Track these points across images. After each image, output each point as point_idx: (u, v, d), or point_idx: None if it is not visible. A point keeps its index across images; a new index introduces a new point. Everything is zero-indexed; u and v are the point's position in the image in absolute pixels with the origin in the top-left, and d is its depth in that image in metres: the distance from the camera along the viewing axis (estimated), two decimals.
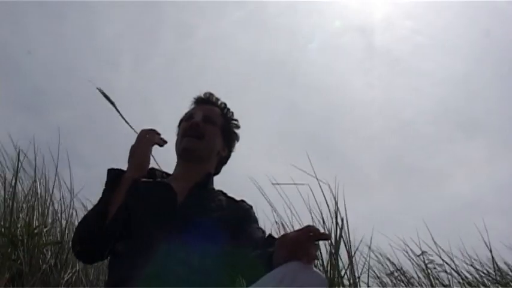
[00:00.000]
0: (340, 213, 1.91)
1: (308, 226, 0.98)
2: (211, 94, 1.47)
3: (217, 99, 1.46)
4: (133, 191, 1.27)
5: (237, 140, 1.46)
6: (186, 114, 1.45)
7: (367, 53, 5.05)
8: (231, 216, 1.28)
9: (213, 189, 1.38)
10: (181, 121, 1.46)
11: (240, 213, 1.31)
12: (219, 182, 1.43)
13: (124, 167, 1.34)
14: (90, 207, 1.56)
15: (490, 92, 4.72)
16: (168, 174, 1.43)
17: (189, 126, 1.37)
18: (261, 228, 1.31)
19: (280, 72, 5.07)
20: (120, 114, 1.44)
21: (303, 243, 0.95)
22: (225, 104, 1.47)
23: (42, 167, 2.27)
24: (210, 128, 1.39)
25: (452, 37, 4.82)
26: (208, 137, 1.37)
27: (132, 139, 1.39)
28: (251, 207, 1.37)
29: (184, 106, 1.50)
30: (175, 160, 1.42)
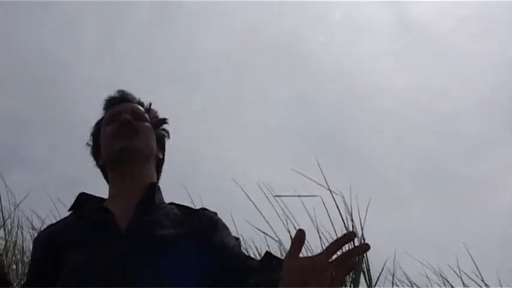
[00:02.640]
0: (357, 232, 1.89)
1: (335, 242, 0.98)
2: (126, 92, 1.52)
3: (135, 97, 1.52)
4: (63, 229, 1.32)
5: (168, 138, 1.53)
6: (103, 118, 1.49)
7: (398, 29, 5.16)
8: (193, 230, 1.30)
9: (163, 203, 1.41)
10: (97, 128, 1.50)
11: (204, 222, 1.34)
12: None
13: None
14: (36, 220, 1.57)
15: None
16: (102, 200, 1.45)
17: (119, 124, 1.40)
18: (234, 236, 1.35)
19: (286, 55, 5.21)
20: None
21: (324, 269, 0.95)
22: (143, 102, 1.52)
23: None
24: (143, 124, 1.43)
25: (506, 11, 4.72)
26: (143, 133, 1.42)
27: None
28: (215, 213, 1.40)
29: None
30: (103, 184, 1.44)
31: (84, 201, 1.42)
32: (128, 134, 1.38)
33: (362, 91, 5.09)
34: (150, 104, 1.52)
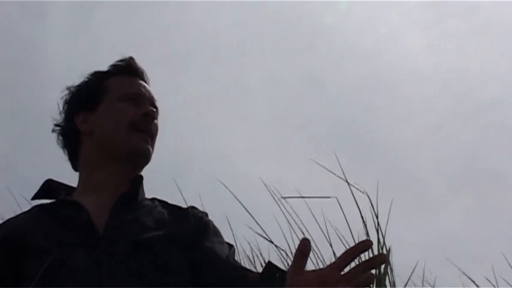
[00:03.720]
0: (384, 239, 1.92)
1: (348, 252, 0.98)
2: (140, 67, 1.56)
3: (147, 76, 1.57)
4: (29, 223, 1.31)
5: None
6: (114, 82, 1.50)
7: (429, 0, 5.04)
8: (181, 232, 1.32)
9: (146, 199, 1.45)
10: (98, 83, 1.50)
11: (193, 224, 1.36)
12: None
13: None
14: None
15: None
16: (72, 189, 1.46)
17: (146, 117, 1.44)
18: (227, 243, 1.38)
19: (295, 31, 5.18)
20: None
21: (335, 283, 0.94)
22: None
23: None
24: (157, 126, 1.50)
25: None
26: (155, 137, 1.49)
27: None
28: (205, 213, 1.43)
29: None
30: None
31: (52, 191, 1.43)
32: (148, 138, 1.44)
33: (386, 74, 5.09)
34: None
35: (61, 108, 1.52)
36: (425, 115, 4.91)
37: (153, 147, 1.45)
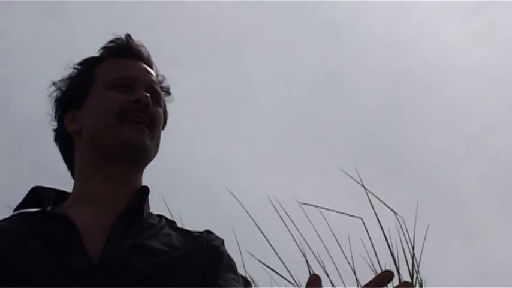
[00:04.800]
0: (418, 268, 1.96)
1: (368, 285, 1.01)
2: (137, 44, 1.58)
3: (146, 52, 1.59)
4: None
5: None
6: (104, 69, 1.53)
7: None
8: (190, 263, 1.33)
9: (151, 214, 1.47)
10: (87, 71, 1.53)
11: (206, 254, 1.38)
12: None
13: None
14: None
15: None
16: (64, 194, 1.48)
17: (137, 104, 1.45)
18: (243, 277, 1.40)
19: (309, 20, 5.13)
20: None
21: None
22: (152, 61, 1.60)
23: None
24: (159, 113, 1.51)
25: None
26: (158, 127, 1.50)
27: None
28: (222, 241, 1.46)
29: None
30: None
31: (39, 199, 1.43)
32: (143, 128, 1.45)
33: (419, 71, 5.06)
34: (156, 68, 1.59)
35: (52, 108, 1.56)
36: (468, 121, 4.92)
37: (153, 138, 1.46)
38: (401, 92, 5.02)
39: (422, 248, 1.95)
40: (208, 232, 1.47)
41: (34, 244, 1.28)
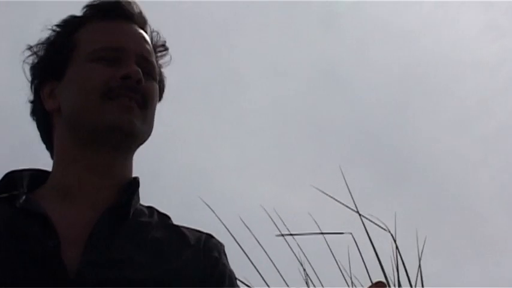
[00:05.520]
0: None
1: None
2: (132, 1, 1.54)
3: (138, 11, 1.55)
4: None
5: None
6: (96, 36, 1.50)
7: None
8: (184, 274, 1.32)
9: (141, 209, 1.45)
10: (66, 36, 1.50)
11: (203, 264, 1.37)
12: None
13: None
14: None
15: None
16: (41, 173, 1.47)
17: (126, 81, 1.42)
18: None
19: (306, 7, 5.08)
20: None
21: None
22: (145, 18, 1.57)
23: None
24: (151, 88, 1.48)
25: None
26: (151, 107, 1.47)
27: None
28: (222, 247, 1.46)
29: None
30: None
31: (14, 184, 1.40)
32: (133, 107, 1.41)
33: (430, 65, 5.05)
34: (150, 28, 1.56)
35: (28, 77, 1.52)
36: (483, 122, 4.94)
37: (145, 119, 1.44)
38: (407, 88, 5.03)
39: (419, 267, 1.99)
40: (208, 237, 1.45)
41: (3, 246, 1.27)
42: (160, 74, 1.54)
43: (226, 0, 4.84)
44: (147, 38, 1.51)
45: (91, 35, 1.48)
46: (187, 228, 1.45)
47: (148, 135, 1.47)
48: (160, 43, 1.56)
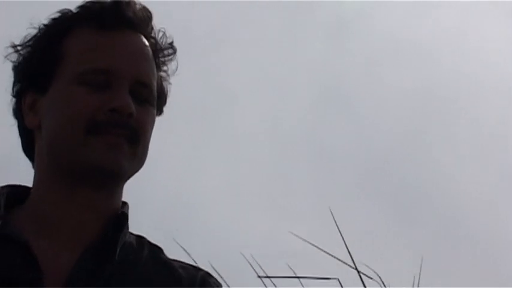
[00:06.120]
0: None
1: None
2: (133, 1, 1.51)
3: (148, 17, 1.53)
4: None
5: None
6: (85, 51, 1.47)
7: None
8: None
9: (130, 242, 1.45)
10: (60, 54, 1.47)
11: None
12: None
13: None
14: None
15: None
16: (21, 190, 1.48)
17: (115, 116, 1.41)
18: None
19: (308, 19, 5.13)
20: None
21: None
22: (154, 29, 1.54)
23: None
24: (145, 119, 1.47)
25: None
26: (144, 140, 1.47)
27: None
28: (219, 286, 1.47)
29: None
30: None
31: None
32: (121, 143, 1.41)
33: (447, 85, 5.05)
34: (157, 32, 1.54)
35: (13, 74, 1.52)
36: (508, 151, 4.85)
37: (135, 155, 1.43)
38: (423, 112, 5.07)
39: None
40: (204, 276, 1.47)
41: None
42: (161, 85, 1.52)
43: (220, 8, 4.88)
44: (148, 50, 1.49)
45: (80, 50, 1.46)
46: (182, 264, 1.47)
47: (141, 167, 1.47)
48: (164, 47, 1.54)
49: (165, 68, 1.55)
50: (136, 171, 1.47)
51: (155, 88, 1.49)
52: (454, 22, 5.18)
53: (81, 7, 1.50)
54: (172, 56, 1.55)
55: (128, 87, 1.43)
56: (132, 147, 1.41)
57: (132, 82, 1.44)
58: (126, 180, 1.47)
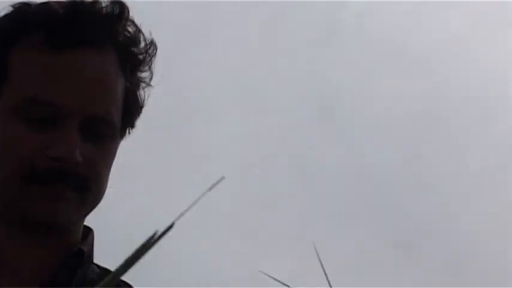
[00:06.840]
0: None
1: None
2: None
3: (116, 15, 1.47)
4: None
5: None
6: (32, 75, 1.44)
7: None
8: None
9: (91, 279, 1.47)
10: (5, 69, 1.45)
11: None
12: None
13: None
14: None
15: None
16: None
17: (58, 165, 1.39)
18: None
19: (298, 16, 5.16)
20: None
21: None
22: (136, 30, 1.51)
23: None
24: (100, 160, 1.46)
25: None
26: (98, 185, 1.46)
27: None
28: None
29: None
30: None
31: None
32: (62, 193, 1.39)
33: (452, 103, 5.10)
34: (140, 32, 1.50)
35: None
36: None
37: (84, 202, 1.41)
38: (424, 131, 5.12)
39: None
40: None
41: None
42: (133, 96, 1.50)
43: (191, 8, 4.90)
44: (107, 71, 1.44)
45: (25, 71, 1.43)
46: None
47: (96, 205, 1.45)
48: (137, 51, 1.50)
49: (139, 73, 1.50)
50: (91, 211, 1.45)
51: (116, 116, 1.46)
52: (461, 27, 5.20)
53: (36, 9, 1.44)
54: (148, 59, 1.51)
55: (77, 124, 1.39)
56: (81, 195, 1.39)
57: (83, 117, 1.39)
58: (77, 224, 1.47)
